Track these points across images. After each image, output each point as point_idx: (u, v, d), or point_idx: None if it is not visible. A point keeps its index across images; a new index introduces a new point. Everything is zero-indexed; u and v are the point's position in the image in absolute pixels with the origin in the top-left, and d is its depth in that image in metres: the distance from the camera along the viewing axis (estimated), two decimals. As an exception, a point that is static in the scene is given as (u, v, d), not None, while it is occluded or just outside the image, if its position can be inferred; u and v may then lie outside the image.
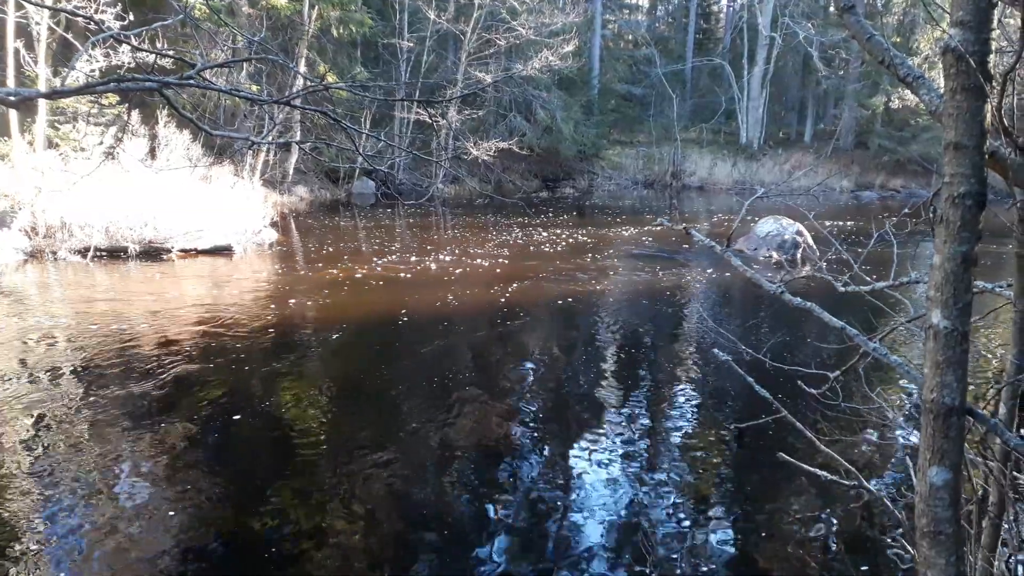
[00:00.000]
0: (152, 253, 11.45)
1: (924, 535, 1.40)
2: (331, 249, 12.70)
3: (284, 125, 18.73)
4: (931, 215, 1.57)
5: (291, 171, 19.88)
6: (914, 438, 4.97)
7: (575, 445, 4.99)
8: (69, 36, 12.89)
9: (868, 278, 2.51)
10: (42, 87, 11.88)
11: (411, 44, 21.95)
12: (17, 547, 3.56)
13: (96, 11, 10.72)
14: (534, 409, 5.66)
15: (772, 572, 3.59)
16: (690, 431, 5.33)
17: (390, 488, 4.30)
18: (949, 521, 1.38)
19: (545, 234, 15.26)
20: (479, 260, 11.97)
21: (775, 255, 12.41)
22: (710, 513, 4.12)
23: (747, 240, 13.26)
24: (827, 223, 16.90)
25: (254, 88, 17.29)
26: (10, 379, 5.92)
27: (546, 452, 4.88)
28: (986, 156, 1.40)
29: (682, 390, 6.24)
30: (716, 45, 38.66)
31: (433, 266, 11.30)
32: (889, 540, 3.79)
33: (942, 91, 1.44)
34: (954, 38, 1.32)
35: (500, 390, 6.05)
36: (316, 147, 17.30)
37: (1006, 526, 1.95)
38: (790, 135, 35.96)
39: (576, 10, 23.51)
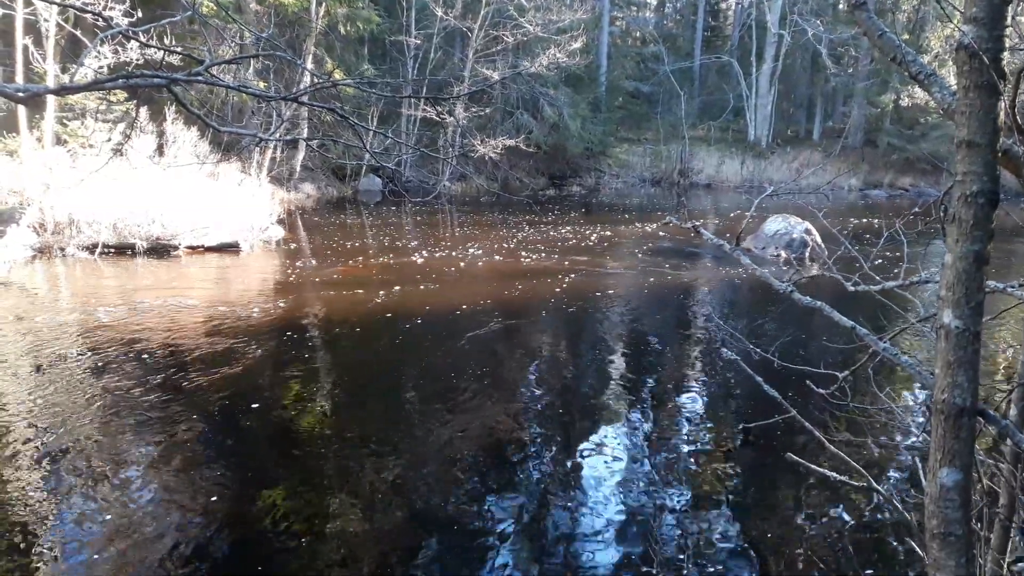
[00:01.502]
0: (159, 250, 11.48)
1: (934, 537, 1.38)
2: (338, 246, 12.72)
3: (291, 122, 18.76)
4: (943, 214, 1.55)
5: (298, 168, 19.91)
6: (924, 439, 4.94)
7: (582, 443, 4.98)
8: (78, 33, 12.95)
9: (878, 277, 2.49)
10: (50, 83, 11.92)
11: (418, 41, 21.94)
12: (22, 543, 3.58)
13: (105, 7, 10.75)
14: (540, 407, 5.65)
15: (780, 573, 3.57)
16: (698, 430, 5.32)
17: (396, 486, 4.30)
18: (959, 523, 1.37)
19: (552, 232, 15.24)
20: (486, 258, 11.96)
21: (783, 254, 12.36)
22: (717, 513, 4.10)
23: (755, 239, 13.21)
24: (836, 221, 16.82)
25: (261, 85, 17.33)
26: (18, 374, 5.95)
27: (552, 450, 4.87)
28: (999, 154, 1.38)
29: (690, 389, 6.22)
30: (724, 42, 38.53)
31: (440, 263, 11.30)
32: (899, 542, 3.77)
33: (954, 89, 1.43)
34: (967, 35, 1.30)
35: (507, 388, 6.04)
36: (323, 144, 17.32)
37: (1016, 528, 1.93)
38: (799, 133, 35.79)
39: (584, 7, 23.46)
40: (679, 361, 7.06)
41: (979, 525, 1.96)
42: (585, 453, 4.83)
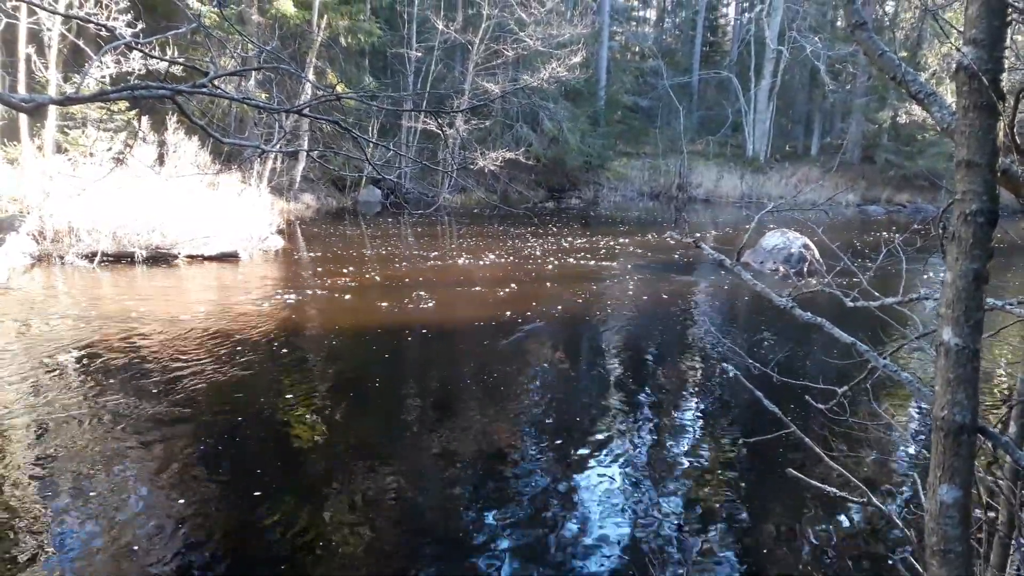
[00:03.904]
0: (159, 259, 11.48)
1: (934, 553, 1.39)
2: (337, 257, 12.73)
3: (292, 133, 18.83)
4: (942, 231, 1.57)
5: (298, 179, 19.96)
6: (923, 455, 4.94)
7: (580, 457, 4.97)
8: (80, 42, 12.99)
9: (876, 293, 2.50)
10: (52, 92, 11.96)
11: (419, 54, 22.06)
12: (21, 549, 3.56)
13: (108, 18, 10.81)
14: (539, 419, 5.64)
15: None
16: (697, 445, 5.31)
17: (393, 494, 4.29)
18: (959, 540, 1.37)
19: (551, 244, 15.27)
20: (485, 270, 11.98)
21: (782, 268, 12.39)
22: (716, 528, 4.10)
23: (753, 253, 13.24)
24: (834, 236, 16.86)
25: (263, 96, 17.39)
26: (16, 383, 5.94)
27: (550, 463, 4.86)
28: (998, 174, 1.40)
29: (690, 403, 6.22)
30: (723, 58, 38.77)
31: (439, 275, 11.31)
32: (898, 558, 3.77)
33: (954, 108, 1.44)
34: (967, 56, 1.32)
35: (505, 400, 6.04)
36: (324, 155, 17.40)
37: (1015, 545, 1.93)
38: (797, 148, 35.95)
39: (584, 22, 23.61)
40: (679, 375, 7.06)
41: (978, 542, 1.97)
42: (583, 465, 4.82)
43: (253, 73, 16.97)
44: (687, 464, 4.96)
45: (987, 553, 1.96)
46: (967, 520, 1.39)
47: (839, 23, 31.23)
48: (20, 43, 12.33)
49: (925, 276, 11.43)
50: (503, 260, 13.00)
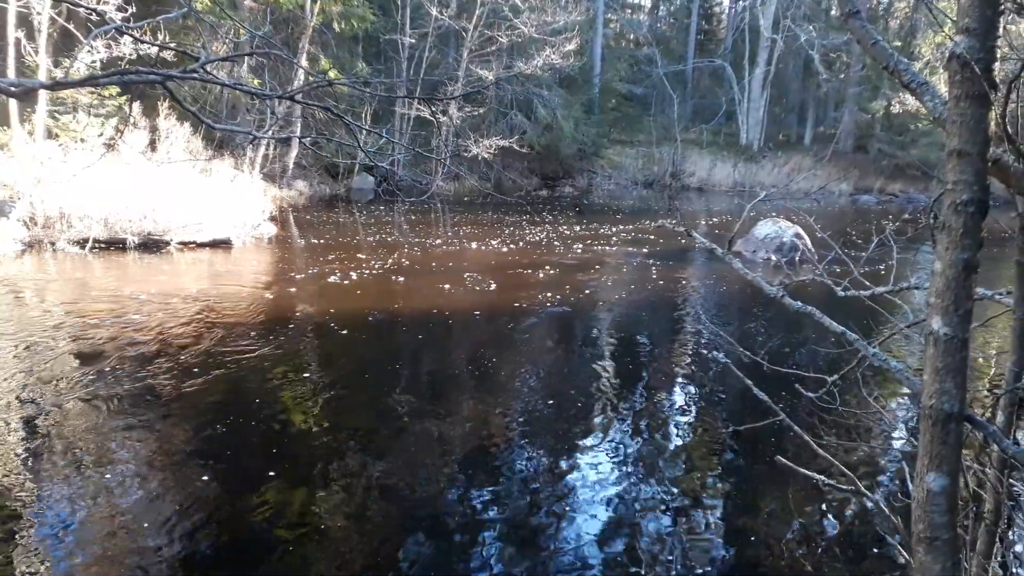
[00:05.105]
0: (151, 245, 11.42)
1: (920, 541, 1.40)
2: (330, 244, 12.69)
3: (285, 119, 18.70)
4: (932, 221, 1.57)
5: (291, 165, 19.84)
6: (911, 443, 4.98)
7: (572, 446, 4.99)
8: (70, 26, 12.85)
9: (867, 283, 2.51)
10: (43, 77, 11.85)
11: (413, 40, 21.91)
12: (12, 545, 3.56)
13: (99, 2, 10.68)
14: (531, 410, 5.66)
15: (767, 575, 3.59)
16: (688, 433, 5.34)
17: (387, 486, 4.30)
18: (946, 527, 1.38)
19: (544, 233, 15.25)
20: (477, 258, 11.96)
21: (774, 257, 12.42)
22: (705, 516, 4.12)
23: (746, 242, 13.26)
24: (827, 225, 16.88)
25: (256, 82, 17.27)
26: (6, 371, 5.91)
27: (542, 453, 4.88)
28: (989, 163, 1.40)
29: (680, 392, 6.24)
30: (717, 46, 38.72)
31: (432, 263, 11.29)
32: (886, 545, 3.80)
33: (946, 98, 1.44)
34: (959, 45, 1.32)
35: (497, 390, 6.05)
36: (317, 142, 17.31)
37: (1002, 533, 1.95)
38: (790, 137, 35.98)
39: (578, 9, 23.50)
40: (669, 364, 7.08)
41: (965, 529, 1.99)
42: (574, 455, 4.84)
43: (245, 59, 16.82)
44: (677, 453, 4.98)
45: (974, 540, 1.98)
46: (954, 508, 1.40)
47: (833, 12, 31.20)
48: (9, 27, 12.18)
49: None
50: (495, 249, 12.99)
